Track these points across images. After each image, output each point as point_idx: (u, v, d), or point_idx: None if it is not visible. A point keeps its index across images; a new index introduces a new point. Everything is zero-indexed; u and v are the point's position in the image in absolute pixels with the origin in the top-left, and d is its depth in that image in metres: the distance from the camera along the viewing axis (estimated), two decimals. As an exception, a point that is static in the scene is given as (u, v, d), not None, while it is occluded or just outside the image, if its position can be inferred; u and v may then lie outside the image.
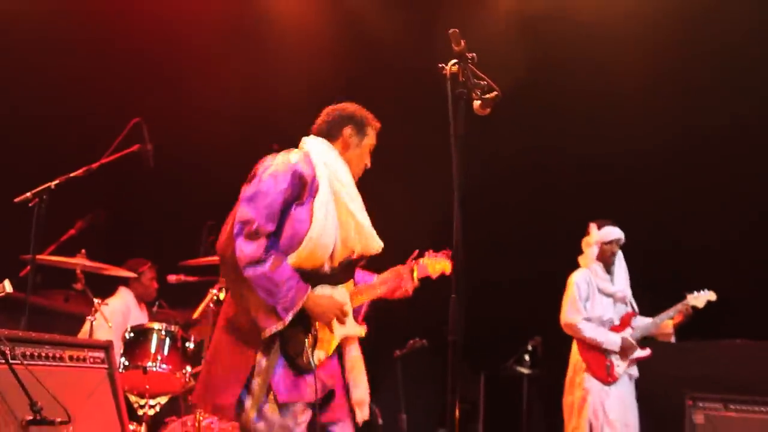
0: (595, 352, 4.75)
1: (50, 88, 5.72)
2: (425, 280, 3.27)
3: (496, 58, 2.46)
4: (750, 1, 5.99)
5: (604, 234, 4.88)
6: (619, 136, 6.51)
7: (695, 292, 4.80)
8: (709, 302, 4.80)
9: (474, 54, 2.38)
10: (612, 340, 4.74)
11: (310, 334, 2.91)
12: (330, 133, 3.10)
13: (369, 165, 3.17)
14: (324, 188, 2.91)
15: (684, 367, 6.11)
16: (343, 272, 3.03)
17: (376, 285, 3.16)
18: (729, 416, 5.58)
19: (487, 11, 6.45)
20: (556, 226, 5.21)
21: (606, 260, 4.92)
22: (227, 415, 2.93)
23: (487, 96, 2.47)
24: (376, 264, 3.24)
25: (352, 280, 3.11)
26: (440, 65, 2.41)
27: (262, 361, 2.85)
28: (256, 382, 2.84)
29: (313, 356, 2.89)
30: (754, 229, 6.21)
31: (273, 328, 2.79)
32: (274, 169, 2.88)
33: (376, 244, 3.06)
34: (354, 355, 3.10)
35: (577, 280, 4.87)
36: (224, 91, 6.42)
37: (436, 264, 3.25)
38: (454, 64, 2.38)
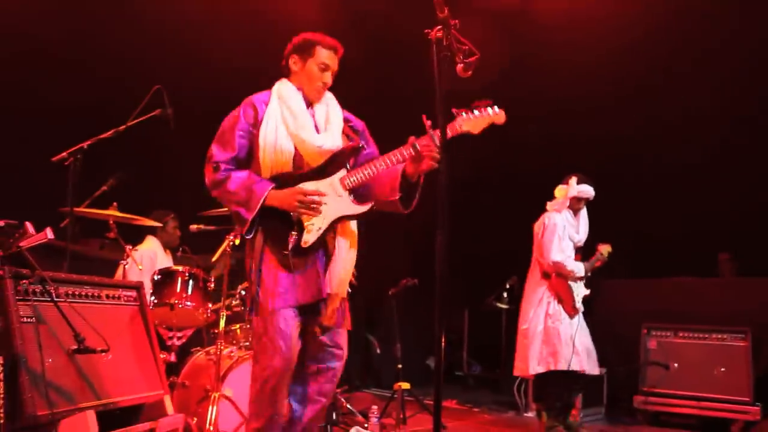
0: (567, 288, 4.74)
1: (82, 60, 5.62)
2: (415, 225, 3.16)
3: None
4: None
5: (582, 189, 4.83)
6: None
7: (602, 243, 4.92)
8: (609, 252, 4.91)
9: (457, 21, 2.35)
10: (581, 268, 4.77)
11: (293, 226, 2.87)
12: (285, 71, 3.13)
13: (328, 82, 3.06)
14: (272, 109, 2.98)
15: (639, 302, 6.21)
16: (328, 166, 2.96)
17: (377, 161, 2.92)
18: (677, 342, 5.71)
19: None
20: (526, 187, 5.21)
21: (575, 210, 4.91)
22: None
23: (469, 60, 2.45)
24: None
25: (343, 169, 2.97)
26: (426, 30, 2.38)
27: (252, 265, 2.93)
28: (252, 286, 2.91)
29: (299, 242, 2.85)
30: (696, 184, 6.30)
31: (244, 229, 2.88)
32: (235, 109, 3.03)
33: (315, 148, 2.93)
34: (341, 246, 2.97)
35: (557, 220, 4.78)
36: (235, 58, 6.36)
37: (480, 119, 2.86)
38: (438, 30, 2.36)
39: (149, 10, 5.93)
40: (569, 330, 4.66)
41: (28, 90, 5.30)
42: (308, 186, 2.90)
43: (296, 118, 2.97)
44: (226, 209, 4.39)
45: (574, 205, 4.88)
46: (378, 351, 6.85)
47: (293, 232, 2.86)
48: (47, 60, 5.46)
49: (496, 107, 2.88)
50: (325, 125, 3.06)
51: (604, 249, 4.89)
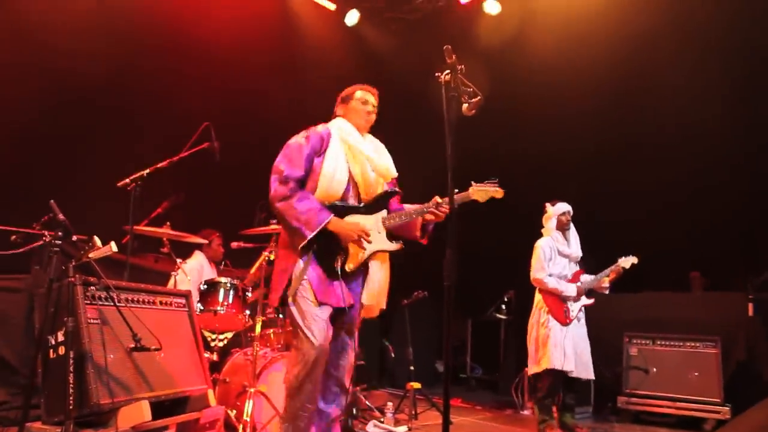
0: (556, 300, 4.74)
1: (143, 99, 5.73)
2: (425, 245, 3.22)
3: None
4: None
5: (557, 208, 4.90)
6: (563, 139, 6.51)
7: (624, 257, 4.81)
8: (633, 264, 4.80)
9: (462, 66, 2.38)
10: (570, 289, 4.74)
11: (341, 250, 2.99)
12: (336, 113, 3.28)
13: (371, 113, 3.22)
14: (335, 141, 3.09)
15: (622, 312, 6.12)
16: (374, 205, 3.11)
17: (410, 210, 3.12)
18: (655, 349, 5.61)
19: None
20: (520, 208, 5.20)
21: (562, 228, 4.90)
22: (273, 303, 3.05)
23: (473, 100, 2.47)
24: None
25: (384, 209, 3.14)
26: (437, 74, 2.41)
27: (298, 266, 2.95)
28: (294, 281, 2.94)
29: (344, 266, 2.97)
30: (670, 207, 6.24)
31: (300, 244, 2.92)
32: (300, 135, 3.09)
33: (389, 172, 3.18)
34: (374, 268, 3.08)
35: (542, 244, 4.86)
36: (271, 102, 6.47)
37: (487, 190, 3.12)
38: (447, 74, 2.40)
39: (202, 59, 6.07)
40: (559, 335, 4.64)
41: (96, 125, 5.40)
42: (355, 219, 3.03)
43: (356, 145, 3.10)
44: (263, 229, 4.45)
45: (561, 222, 4.89)
46: (392, 355, 6.80)
47: (340, 256, 2.97)
48: (114, 100, 5.57)
49: (497, 185, 3.11)
50: (379, 152, 3.22)
51: (626, 261, 4.80)
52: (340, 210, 3.02)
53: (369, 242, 3.00)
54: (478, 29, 6.87)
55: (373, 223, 3.08)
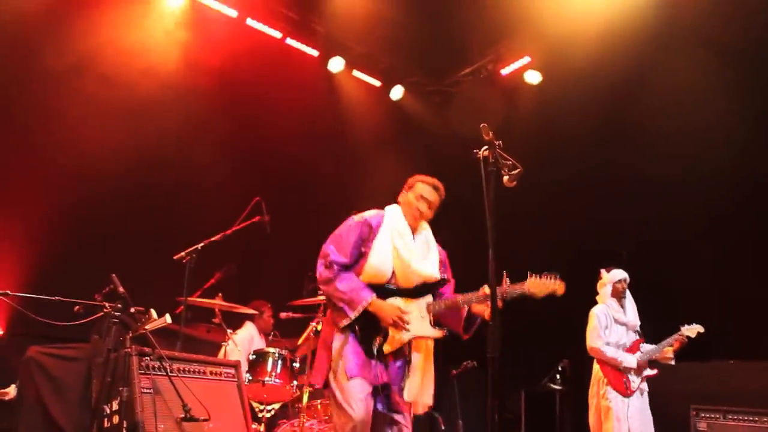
0: (615, 370, 4.59)
1: (197, 175, 6.03)
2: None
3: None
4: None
5: (613, 275, 4.80)
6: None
7: (687, 325, 4.62)
8: (699, 333, 4.59)
9: (500, 141, 2.46)
10: (629, 360, 4.58)
11: (381, 331, 3.00)
12: (398, 199, 3.31)
13: (423, 211, 3.20)
14: (384, 233, 3.12)
15: (689, 383, 5.79)
16: (416, 290, 3.11)
17: (458, 298, 3.07)
18: (728, 424, 5.23)
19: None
20: (574, 273, 5.11)
21: (618, 296, 4.79)
22: (319, 383, 3.05)
23: (514, 172, 2.53)
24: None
25: (429, 295, 3.13)
26: (474, 151, 2.49)
27: (336, 344, 2.99)
28: (334, 360, 2.98)
29: (381, 347, 2.97)
30: (734, 271, 5.97)
31: (342, 322, 2.97)
32: (351, 220, 3.17)
33: (416, 278, 3.10)
34: (416, 360, 3.07)
35: (597, 312, 4.76)
36: (319, 176, 6.71)
37: (546, 284, 2.95)
38: (485, 150, 2.47)
39: (251, 137, 6.40)
40: (621, 408, 4.45)
41: (154, 202, 5.69)
42: (400, 303, 3.04)
43: (406, 243, 3.12)
44: (311, 300, 4.53)
45: (617, 290, 4.78)
46: (442, 427, 6.61)
47: (379, 337, 2.99)
48: (170, 176, 5.87)
49: (558, 278, 2.96)
50: (425, 253, 3.20)
51: (689, 330, 4.61)
52: (384, 291, 3.05)
53: (407, 326, 2.99)
54: (519, 99, 7.03)
55: (416, 308, 3.07)
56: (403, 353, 3.06)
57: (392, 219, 3.19)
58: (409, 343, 3.06)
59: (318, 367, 3.08)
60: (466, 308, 3.11)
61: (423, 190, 3.21)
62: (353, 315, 2.95)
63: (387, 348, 2.99)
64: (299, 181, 6.57)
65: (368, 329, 2.99)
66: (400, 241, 3.10)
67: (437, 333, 3.08)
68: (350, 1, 6.37)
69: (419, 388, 3.05)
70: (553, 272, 2.94)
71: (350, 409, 2.88)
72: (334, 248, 3.07)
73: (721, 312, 5.32)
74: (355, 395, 2.90)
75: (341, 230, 3.14)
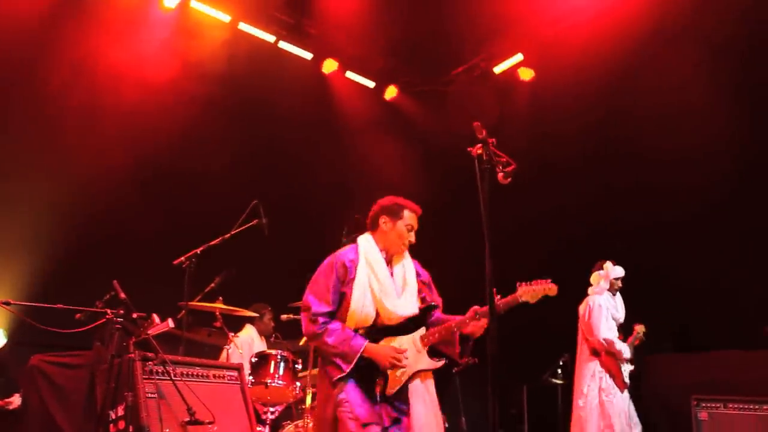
0: (616, 365, 4.61)
1: (194, 180, 6.07)
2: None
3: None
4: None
5: (616, 272, 4.81)
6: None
7: (638, 323, 4.77)
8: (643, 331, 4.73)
9: (494, 139, 2.49)
10: (626, 350, 4.63)
11: (380, 375, 2.94)
12: (372, 226, 3.18)
13: (412, 241, 3.12)
14: (361, 274, 3.02)
15: (689, 375, 5.82)
16: (405, 326, 3.04)
17: (450, 325, 3.02)
18: (728, 413, 5.26)
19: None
20: (571, 269, 5.15)
21: (613, 292, 4.83)
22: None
23: (508, 169, 2.55)
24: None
25: (422, 327, 3.06)
26: (468, 149, 2.50)
27: (341, 396, 2.91)
28: (338, 405, 2.89)
29: (384, 390, 2.91)
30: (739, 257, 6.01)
31: (337, 376, 2.91)
32: (326, 264, 3.07)
33: (396, 313, 3.01)
34: (419, 390, 3.01)
35: (601, 302, 4.73)
36: (315, 177, 6.73)
37: (536, 290, 2.94)
38: (479, 147, 2.48)
39: (247, 138, 6.43)
40: (622, 403, 4.49)
41: (151, 208, 5.72)
42: (393, 342, 2.99)
43: (381, 283, 3.02)
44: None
45: (614, 286, 4.81)
46: (446, 425, 6.63)
47: (379, 380, 2.94)
48: (167, 182, 5.92)
49: (550, 282, 2.96)
50: (402, 287, 3.10)
51: (640, 329, 4.75)
52: (375, 332, 2.99)
53: (404, 365, 2.93)
54: (513, 97, 7.07)
55: (411, 343, 3.01)
56: (406, 390, 3.00)
57: (367, 255, 3.06)
58: (411, 378, 3.01)
59: (321, 417, 3.00)
60: (458, 336, 3.04)
61: (412, 219, 3.11)
62: (348, 369, 2.89)
63: (390, 390, 2.95)
64: (296, 183, 6.61)
65: (367, 374, 2.93)
66: (376, 283, 3.01)
67: (436, 364, 3.04)
68: (342, 3, 6.39)
69: (425, 424, 2.99)
70: (544, 278, 2.95)
71: None
72: (314, 298, 3.00)
73: (721, 299, 5.37)
74: None
75: (318, 276, 3.06)
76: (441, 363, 3.03)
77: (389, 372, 2.95)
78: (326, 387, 2.99)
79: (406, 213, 3.11)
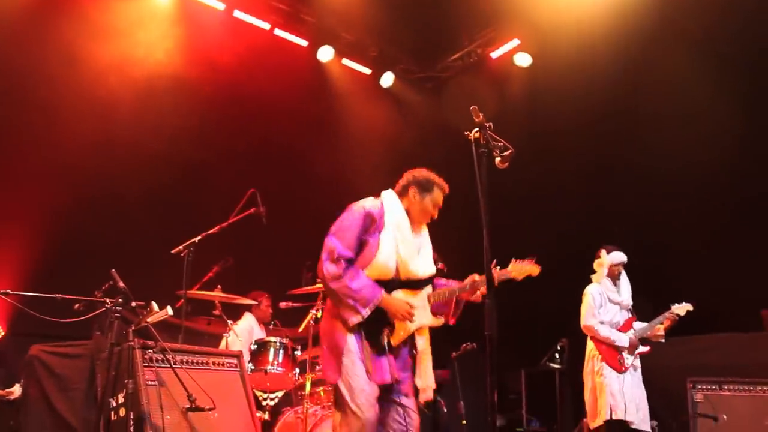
0: (609, 348, 4.64)
1: (192, 170, 6.03)
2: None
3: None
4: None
5: (612, 257, 4.81)
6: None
7: (677, 304, 4.68)
8: (688, 311, 4.65)
9: (491, 123, 2.47)
10: (622, 339, 4.63)
11: (387, 325, 3.04)
12: (402, 192, 3.23)
13: (435, 216, 3.21)
14: (388, 229, 3.09)
15: (685, 357, 5.85)
16: (418, 282, 3.15)
17: (454, 287, 3.19)
18: (723, 395, 5.30)
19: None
20: (571, 253, 5.15)
21: (613, 277, 4.84)
22: (331, 381, 3.02)
23: (505, 153, 2.54)
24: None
25: (429, 286, 3.20)
26: (466, 133, 2.49)
27: (343, 343, 2.99)
28: (348, 359, 2.96)
29: (390, 340, 3.01)
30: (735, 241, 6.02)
31: (353, 319, 2.96)
32: (353, 211, 3.11)
33: (417, 273, 3.12)
34: (422, 347, 3.15)
35: (592, 291, 4.80)
36: (313, 165, 6.71)
37: (523, 268, 3.22)
38: (476, 132, 2.46)
39: (251, 132, 6.39)
40: (616, 384, 4.51)
41: (150, 197, 5.71)
42: (405, 295, 3.08)
43: (405, 241, 3.11)
44: (309, 288, 4.54)
45: (613, 271, 4.82)
46: (444, 409, 6.67)
47: (386, 330, 3.02)
48: (165, 172, 5.86)
49: (534, 262, 3.23)
50: (421, 251, 3.21)
51: (680, 308, 4.67)
52: (389, 285, 3.07)
53: (413, 319, 3.05)
54: (510, 82, 7.03)
55: (420, 300, 3.13)
56: (407, 343, 3.11)
57: (393, 213, 3.14)
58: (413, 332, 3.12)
59: (328, 367, 3.05)
60: (454, 300, 3.23)
61: (439, 197, 3.20)
62: (366, 312, 2.95)
63: (395, 341, 3.03)
64: (293, 171, 6.58)
65: (376, 324, 3.00)
66: (401, 239, 3.09)
67: (437, 321, 3.18)
68: (338, -10, 6.35)
69: (429, 373, 3.13)
70: (530, 257, 3.19)
71: (360, 411, 2.89)
72: (339, 243, 3.01)
73: (718, 282, 5.38)
74: (366, 398, 2.91)
75: (344, 222, 3.08)
76: (442, 321, 3.18)
77: (396, 324, 3.04)
78: (333, 334, 3.03)
79: (436, 190, 3.19)
